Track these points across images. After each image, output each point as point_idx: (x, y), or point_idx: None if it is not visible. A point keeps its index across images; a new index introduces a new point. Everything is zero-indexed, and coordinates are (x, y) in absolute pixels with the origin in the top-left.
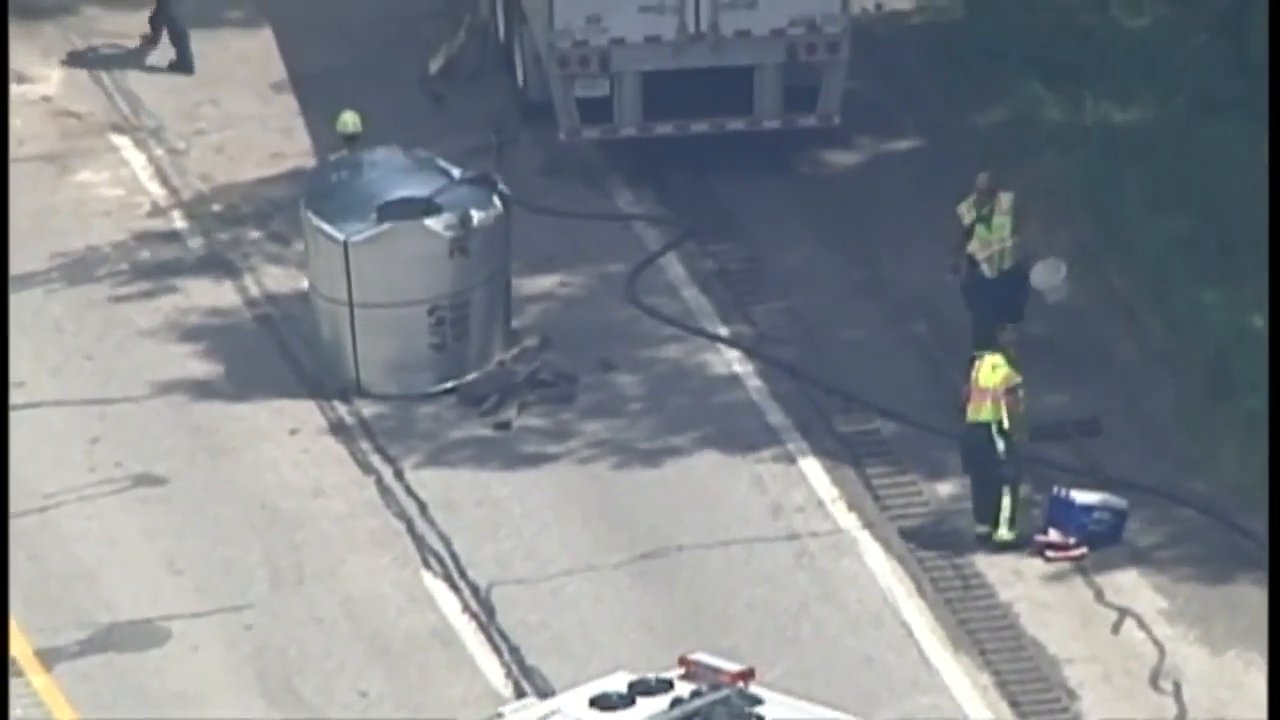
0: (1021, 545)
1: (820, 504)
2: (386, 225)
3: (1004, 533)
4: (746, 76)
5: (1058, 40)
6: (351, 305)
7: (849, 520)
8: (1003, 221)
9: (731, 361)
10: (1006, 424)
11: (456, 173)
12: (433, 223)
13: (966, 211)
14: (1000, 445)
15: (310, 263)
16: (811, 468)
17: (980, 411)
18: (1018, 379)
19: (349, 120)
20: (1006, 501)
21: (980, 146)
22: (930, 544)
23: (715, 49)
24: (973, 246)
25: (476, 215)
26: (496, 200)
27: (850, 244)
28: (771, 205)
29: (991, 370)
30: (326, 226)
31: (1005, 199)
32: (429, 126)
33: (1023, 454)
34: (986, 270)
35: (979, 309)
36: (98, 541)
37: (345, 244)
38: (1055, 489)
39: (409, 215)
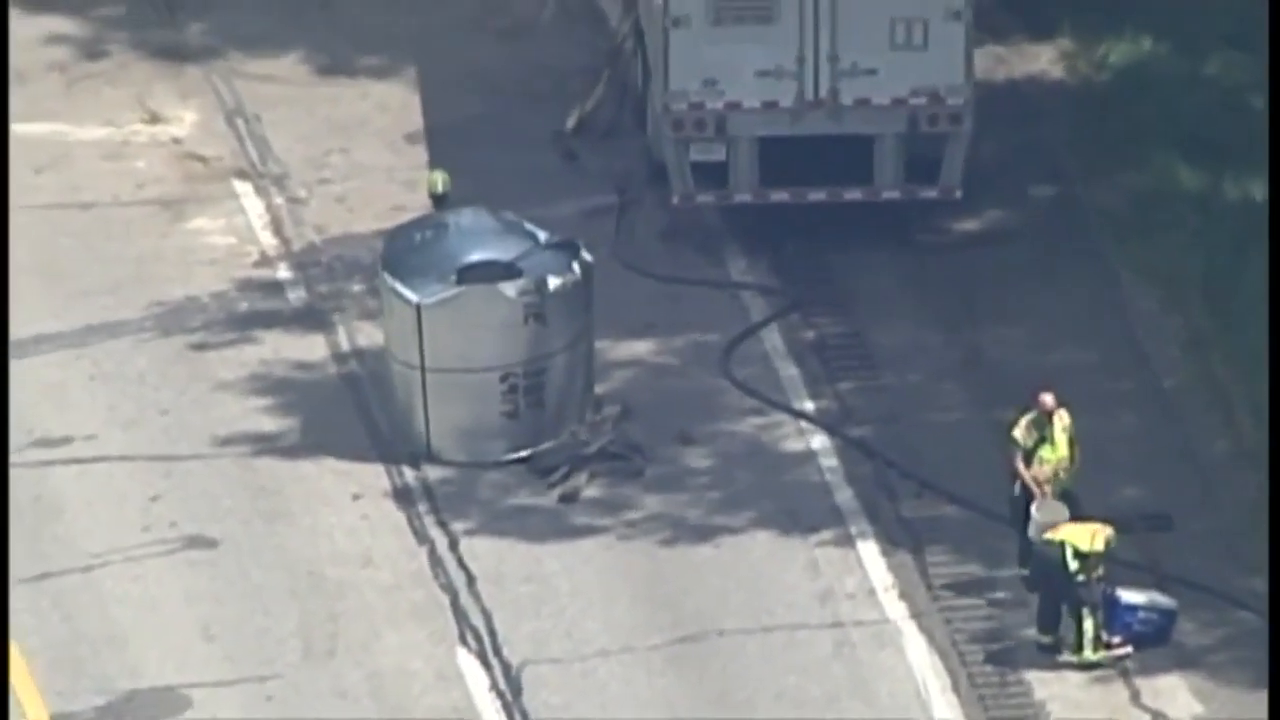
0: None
1: (871, 592)
2: (459, 289)
3: (1089, 654)
4: (866, 146)
5: (1209, 118)
6: (423, 369)
7: (897, 610)
8: (1062, 439)
9: (810, 438)
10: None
11: (542, 236)
12: (507, 288)
13: (1026, 436)
14: (1074, 566)
15: (385, 324)
16: (870, 553)
17: (1060, 532)
18: (1111, 530)
19: (438, 180)
20: (1089, 625)
21: (1107, 224)
22: (976, 638)
23: (834, 117)
24: (1035, 470)
25: (553, 281)
26: (576, 267)
27: (956, 321)
28: (883, 277)
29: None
30: (401, 288)
31: (1064, 415)
32: (555, 184)
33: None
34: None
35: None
36: (137, 604)
37: (418, 307)
38: (1103, 587)
39: (489, 279)
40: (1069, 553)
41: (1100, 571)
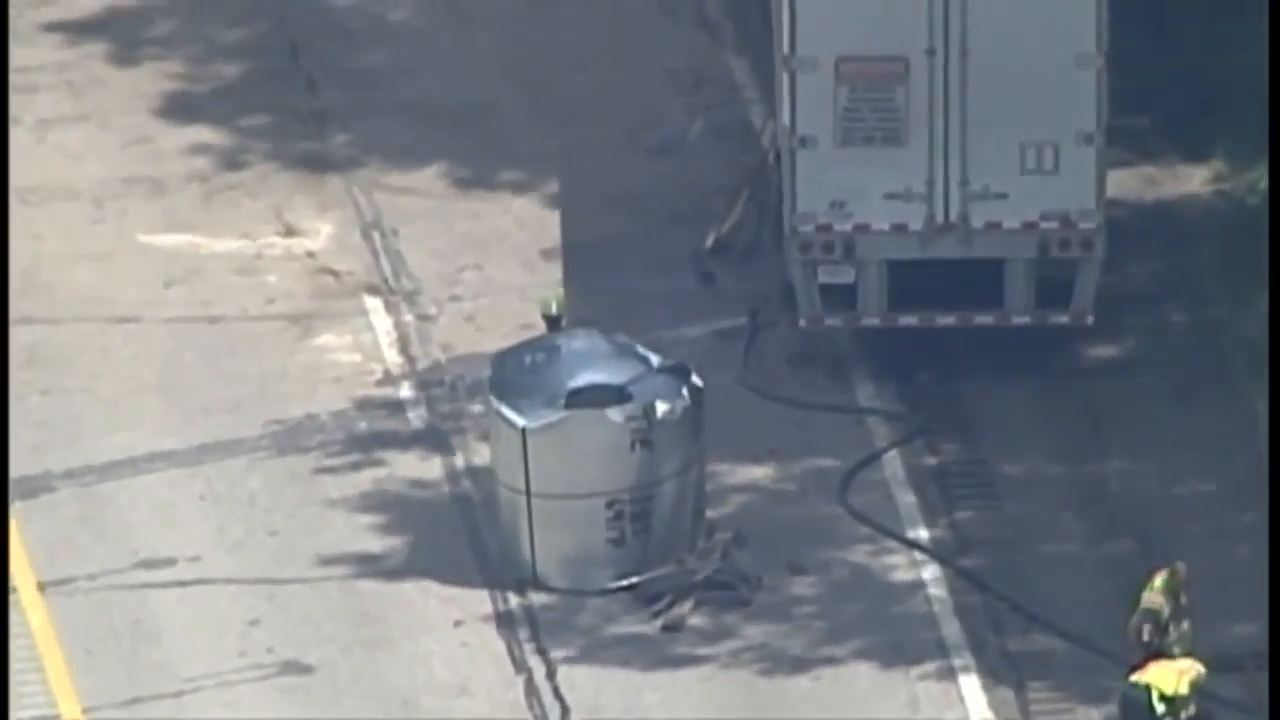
0: None
1: None
2: (565, 414)
3: None
4: (996, 270)
5: None
6: (529, 494)
7: None
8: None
9: (921, 568)
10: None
11: (654, 360)
12: (613, 413)
13: (1167, 604)
14: (1160, 709)
15: (492, 447)
16: (971, 687)
17: (1146, 674)
18: (1200, 668)
19: (551, 301)
20: None
21: (1247, 353)
22: None
23: (964, 241)
24: (1173, 637)
25: (661, 407)
26: (687, 392)
27: (1082, 450)
28: (1011, 404)
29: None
30: (507, 411)
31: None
32: (689, 305)
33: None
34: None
35: None
36: None
37: (523, 431)
38: None
39: (599, 404)
40: (1155, 696)
41: (1191, 710)
